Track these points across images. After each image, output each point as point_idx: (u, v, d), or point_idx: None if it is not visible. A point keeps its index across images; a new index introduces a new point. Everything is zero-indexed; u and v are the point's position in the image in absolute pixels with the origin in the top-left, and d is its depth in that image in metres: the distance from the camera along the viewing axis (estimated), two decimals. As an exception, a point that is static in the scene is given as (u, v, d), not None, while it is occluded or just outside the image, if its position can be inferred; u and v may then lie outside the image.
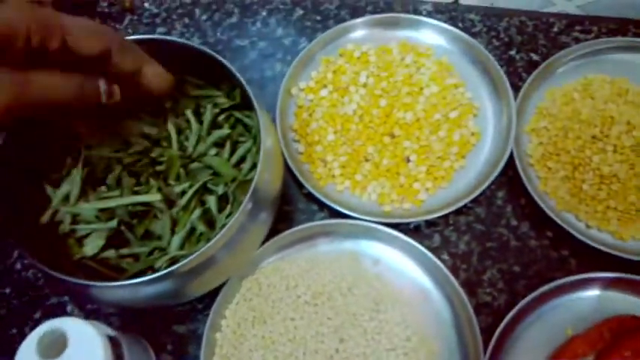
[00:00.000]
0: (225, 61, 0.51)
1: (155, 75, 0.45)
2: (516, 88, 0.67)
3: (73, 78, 0.39)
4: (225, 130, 0.55)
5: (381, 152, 0.65)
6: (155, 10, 0.79)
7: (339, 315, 0.57)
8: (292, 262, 0.60)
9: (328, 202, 0.61)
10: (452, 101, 0.67)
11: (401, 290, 0.58)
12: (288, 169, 0.64)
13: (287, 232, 0.60)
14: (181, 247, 0.50)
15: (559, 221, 0.59)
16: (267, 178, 0.50)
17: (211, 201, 0.52)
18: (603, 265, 0.58)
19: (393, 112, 0.66)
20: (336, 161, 0.65)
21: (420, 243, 0.59)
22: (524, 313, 0.56)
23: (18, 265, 0.63)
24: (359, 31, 0.73)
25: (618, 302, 0.57)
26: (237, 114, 0.56)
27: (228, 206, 0.51)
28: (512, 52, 0.71)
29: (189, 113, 0.55)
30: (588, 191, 0.61)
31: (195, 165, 0.54)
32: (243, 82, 0.51)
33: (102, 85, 0.41)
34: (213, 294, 0.57)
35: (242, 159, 0.55)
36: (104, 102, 0.41)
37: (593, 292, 0.57)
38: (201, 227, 0.51)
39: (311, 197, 0.64)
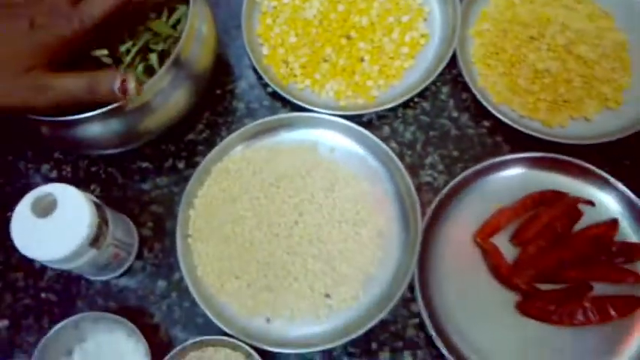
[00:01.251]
0: None
1: None
2: (464, -5, 0.74)
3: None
4: None
5: (339, 53, 0.73)
6: None
7: (299, 193, 0.66)
8: (258, 151, 0.69)
9: (290, 98, 0.69)
10: (404, 6, 0.75)
11: (353, 173, 0.67)
12: (254, 71, 0.72)
13: (252, 123, 0.68)
14: None
15: (495, 112, 0.68)
16: (195, 48, 0.61)
17: (153, 57, 0.61)
18: (532, 148, 0.67)
19: (349, 17, 0.74)
20: (297, 62, 0.73)
21: (372, 133, 0.68)
22: (458, 188, 0.65)
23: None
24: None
25: (541, 179, 0.66)
26: None
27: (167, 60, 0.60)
28: (462, -39, 0.78)
29: None
30: (523, 85, 0.70)
31: (140, 28, 0.62)
32: None
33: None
34: (186, 180, 0.66)
35: (178, 22, 0.63)
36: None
37: (520, 170, 0.67)
38: (145, 79, 0.59)
39: (275, 95, 0.72)
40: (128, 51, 0.61)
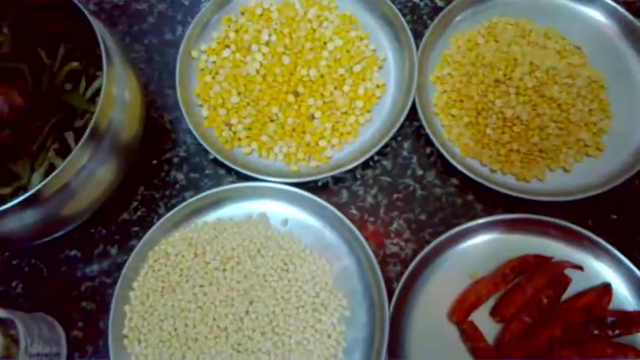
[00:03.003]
0: None
1: None
2: (421, 37, 0.70)
3: None
4: (74, 63, 0.59)
5: (286, 111, 0.67)
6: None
7: (249, 278, 0.60)
8: (200, 229, 0.63)
9: (234, 167, 0.63)
10: (356, 54, 0.69)
11: (309, 248, 0.61)
12: (191, 136, 0.66)
13: (192, 199, 0.62)
14: None
15: (462, 169, 0.62)
16: (116, 116, 0.55)
17: (69, 136, 0.55)
18: (507, 208, 0.62)
19: (296, 70, 0.69)
20: (241, 124, 0.67)
21: (328, 200, 0.62)
22: (428, 259, 0.60)
23: None
24: (260, -13, 0.74)
25: (521, 243, 0.61)
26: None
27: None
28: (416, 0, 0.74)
29: (40, 50, 0.58)
30: (492, 135, 0.65)
31: (52, 103, 0.57)
32: (88, 16, 0.54)
33: None
34: (120, 269, 0.59)
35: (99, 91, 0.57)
36: None
37: (496, 235, 0.61)
38: (59, 162, 0.53)
39: (218, 162, 0.66)
40: (40, 130, 0.54)
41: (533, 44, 0.70)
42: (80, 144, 0.51)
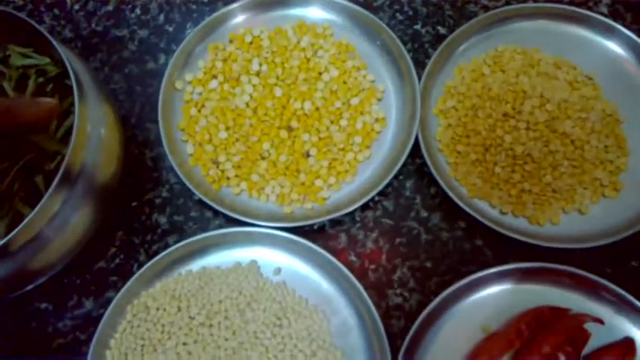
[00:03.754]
0: (39, 27, 0.51)
1: None
2: (423, 67, 0.66)
3: None
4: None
5: (279, 148, 0.63)
6: (20, 2, 0.74)
7: (238, 334, 0.55)
8: (184, 280, 0.58)
9: (221, 209, 0.59)
10: (353, 86, 0.65)
11: (304, 300, 0.57)
12: (175, 175, 0.61)
13: (175, 246, 0.57)
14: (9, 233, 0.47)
15: (470, 211, 0.58)
16: (91, 157, 0.51)
17: (39, 180, 0.51)
18: (520, 254, 0.58)
19: (289, 103, 0.64)
20: (230, 161, 0.63)
21: (325, 246, 0.58)
22: (436, 313, 0.55)
23: None
24: (250, 12, 0.70)
25: (535, 293, 0.57)
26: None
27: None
28: (418, 27, 0.70)
29: (6, 85, 0.54)
30: (501, 174, 0.61)
31: (21, 145, 0.53)
32: (58, 48, 0.50)
33: None
34: (95, 324, 0.54)
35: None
36: None
37: (508, 286, 0.57)
38: (26, 211, 0.49)
39: (204, 204, 0.61)
40: (5, 173, 0.50)
41: (542, 75, 0.66)
42: (51, 190, 0.47)
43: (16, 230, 0.45)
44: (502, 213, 0.60)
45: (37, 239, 0.48)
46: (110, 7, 0.73)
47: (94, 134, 0.52)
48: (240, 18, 0.70)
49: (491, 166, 0.61)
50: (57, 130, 0.55)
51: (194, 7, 0.72)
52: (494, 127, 0.63)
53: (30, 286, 0.53)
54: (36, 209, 0.46)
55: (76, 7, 0.73)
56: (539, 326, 0.55)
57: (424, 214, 0.61)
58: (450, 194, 0.58)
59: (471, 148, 0.62)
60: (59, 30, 0.71)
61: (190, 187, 0.59)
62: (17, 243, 0.47)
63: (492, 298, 0.57)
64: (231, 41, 0.69)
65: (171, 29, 0.71)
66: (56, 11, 0.73)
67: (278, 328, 0.55)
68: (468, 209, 0.58)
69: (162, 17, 0.72)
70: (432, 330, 0.56)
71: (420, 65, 0.66)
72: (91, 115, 0.52)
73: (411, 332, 0.54)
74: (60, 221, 0.50)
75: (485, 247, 0.60)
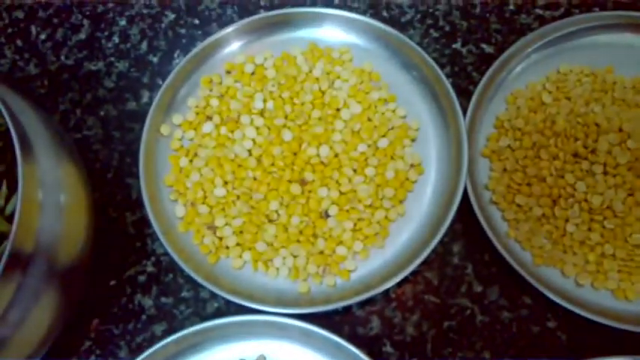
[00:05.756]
0: None
1: None
2: (466, 95, 0.55)
3: None
4: None
5: (290, 207, 0.52)
6: (-24, 33, 0.64)
7: None
8: (174, 385, 0.47)
9: (219, 291, 0.48)
10: (380, 124, 0.55)
11: (329, 410, 0.45)
12: (160, 244, 0.51)
13: (164, 341, 0.47)
14: None
15: (536, 284, 0.47)
16: (47, 232, 0.41)
17: None
18: (604, 339, 0.47)
19: (301, 149, 0.54)
20: (229, 226, 0.53)
21: (352, 334, 0.48)
22: None
23: None
24: (250, 36, 0.59)
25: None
26: None
27: None
28: (457, 45, 0.59)
29: None
30: (575, 235, 0.50)
31: None
32: None
33: None
34: None
35: None
36: None
37: (596, 385, 0.45)
38: None
39: (199, 283, 0.50)
40: None
41: (619, 102, 0.55)
42: None
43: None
44: (578, 285, 0.49)
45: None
46: (83, 35, 0.63)
47: (48, 203, 0.42)
48: (238, 43, 0.59)
49: (562, 224, 0.50)
50: (6, 205, 0.44)
51: (183, 31, 0.62)
52: (562, 171, 0.52)
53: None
54: None
55: (42, 36, 0.63)
56: None
57: (478, 288, 0.50)
58: (511, 261, 0.48)
59: (535, 200, 0.51)
60: (22, 65, 0.62)
61: (179, 261, 0.49)
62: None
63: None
64: (228, 72, 0.59)
65: (155, 60, 0.61)
66: (19, 42, 0.63)
67: None
68: (533, 282, 0.47)
69: (144, 45, 0.62)
70: None
71: (462, 94, 0.55)
72: (44, 179, 0.42)
73: None
74: (15, 317, 0.40)
75: (558, 331, 0.49)
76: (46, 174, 0.43)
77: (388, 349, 0.49)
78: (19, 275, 0.40)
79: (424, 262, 0.51)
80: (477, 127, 0.55)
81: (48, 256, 0.42)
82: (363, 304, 0.51)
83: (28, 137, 0.43)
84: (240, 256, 0.52)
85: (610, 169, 0.52)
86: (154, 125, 0.56)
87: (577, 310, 0.47)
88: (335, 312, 0.50)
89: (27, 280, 0.41)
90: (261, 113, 0.56)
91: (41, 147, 0.44)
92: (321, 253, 0.52)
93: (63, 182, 0.45)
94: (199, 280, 0.49)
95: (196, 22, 0.63)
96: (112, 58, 0.62)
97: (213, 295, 0.52)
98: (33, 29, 0.64)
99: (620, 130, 0.53)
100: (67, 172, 0.46)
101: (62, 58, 0.63)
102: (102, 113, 0.60)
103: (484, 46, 0.59)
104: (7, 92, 0.43)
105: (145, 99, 0.60)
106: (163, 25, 0.63)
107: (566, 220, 0.51)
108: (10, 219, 0.45)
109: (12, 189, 0.46)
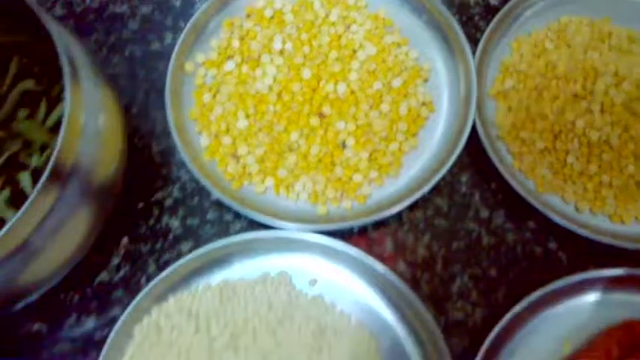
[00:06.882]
0: None
1: None
2: (474, 41, 0.60)
3: None
4: (28, 82, 0.48)
5: (309, 138, 0.57)
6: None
7: (269, 359, 0.48)
8: (202, 295, 0.52)
9: (243, 210, 0.52)
10: (394, 65, 0.59)
11: (347, 317, 0.51)
12: (188, 171, 0.55)
13: (190, 256, 0.51)
14: None
15: (540, 207, 0.52)
16: (87, 150, 0.44)
17: (24, 178, 0.45)
18: (602, 257, 0.52)
19: (320, 85, 0.58)
20: (252, 155, 0.57)
21: (368, 251, 0.51)
22: (507, 331, 0.49)
23: None
24: (270, -17, 0.63)
25: (624, 304, 0.51)
26: None
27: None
28: (465, -3, 0.64)
29: None
30: (575, 165, 0.55)
31: (1, 134, 0.48)
32: (46, 21, 0.44)
33: None
34: (99, 348, 0.48)
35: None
36: None
37: (593, 296, 0.51)
38: (10, 214, 0.43)
39: (223, 205, 0.55)
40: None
41: (615, 49, 0.60)
42: (38, 188, 0.40)
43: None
44: (578, 210, 0.54)
45: (24, 248, 0.42)
46: (107, -20, 0.66)
47: (90, 123, 0.45)
48: (260, -12, 0.63)
49: (563, 156, 0.55)
50: (46, 119, 0.48)
51: (204, -23, 0.66)
52: (563, 110, 0.57)
53: (20, 305, 0.47)
54: (20, 212, 0.39)
55: (68, -20, 0.66)
56: (633, 346, 0.48)
57: (485, 213, 0.55)
58: (517, 188, 0.53)
59: (537, 135, 0.56)
60: (48, 7, 0.65)
61: (206, 184, 0.53)
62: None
63: (572, 312, 0.51)
64: (248, 16, 0.63)
65: (178, 3, 0.65)
66: (45, -14, 0.66)
67: (316, 352, 0.49)
68: (538, 205, 0.52)
69: (167, -10, 0.65)
70: (504, 352, 0.49)
71: (470, 41, 0.60)
72: (87, 100, 0.45)
73: (481, 354, 0.47)
74: (51, 227, 0.43)
75: (560, 251, 0.54)
76: (89, 97, 0.46)
77: (401, 266, 0.54)
78: (58, 188, 0.43)
79: (434, 189, 0.56)
80: (484, 71, 0.60)
81: (85, 173, 0.45)
82: (377, 227, 0.55)
83: (74, 61, 0.46)
84: (263, 182, 0.56)
85: (607, 107, 0.57)
86: (179, 64, 0.60)
87: (577, 230, 0.51)
88: (351, 234, 0.55)
89: (65, 194, 0.44)
90: (281, 53, 0.61)
91: (83, 71, 0.47)
92: (339, 179, 0.56)
93: (102, 106, 0.48)
94: (225, 200, 0.53)
95: (217, -30, 0.67)
96: (136, 2, 0.66)
97: (237, 217, 0.56)
98: (58, -26, 0.68)
99: (616, 74, 0.58)
100: (105, 97, 0.49)
101: (87, 1, 0.66)
102: (127, 53, 0.64)
103: (490, -2, 0.64)
104: (47, 19, 0.47)
105: (168, 40, 0.64)
106: (185, -28, 0.67)
107: (567, 153, 0.56)
108: (51, 131, 0.48)
109: (51, 107, 0.50)
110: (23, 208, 0.39)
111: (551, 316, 0.50)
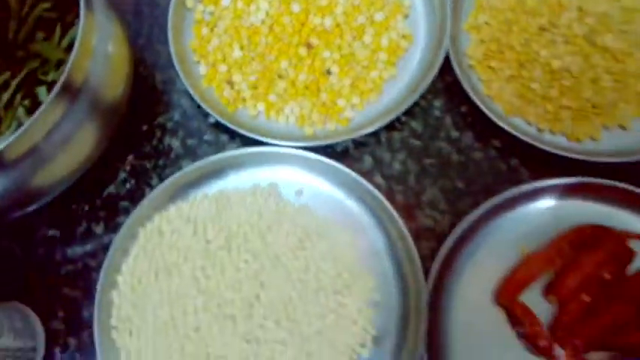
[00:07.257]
0: None
1: None
2: (450, -20, 0.65)
3: None
4: (46, 4, 0.54)
5: (297, 67, 0.62)
6: None
7: (258, 257, 0.55)
8: (199, 203, 0.58)
9: (239, 130, 0.58)
10: (377, 0, 0.64)
11: (328, 222, 0.57)
12: (190, 97, 0.61)
13: (190, 167, 0.57)
14: None
15: (506, 127, 0.58)
16: (96, 70, 0.50)
17: (41, 91, 0.51)
18: (559, 172, 0.57)
19: (308, 19, 0.64)
20: (245, 81, 0.62)
21: (349, 167, 0.57)
22: (469, 233, 0.55)
23: None
24: None
25: (576, 211, 0.57)
26: None
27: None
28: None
29: None
30: (538, 90, 0.60)
31: (21, 53, 0.53)
32: None
33: None
34: (106, 250, 0.54)
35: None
36: None
37: (547, 202, 0.57)
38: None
39: (219, 126, 0.61)
40: (6, 84, 0.50)
41: (579, -12, 0.65)
42: (50, 98, 0.46)
43: (11, 138, 0.44)
44: (539, 130, 0.60)
45: (36, 152, 0.48)
46: None
47: (99, 47, 0.51)
48: None
49: (527, 82, 0.61)
50: (61, 40, 0.54)
51: None
52: (529, 41, 0.62)
53: (33, 206, 0.53)
54: (33, 117, 0.45)
55: None
56: (581, 245, 0.54)
57: (455, 133, 0.61)
58: (486, 111, 0.58)
59: (506, 64, 0.62)
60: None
61: (205, 108, 0.59)
62: (14, 154, 0.46)
63: (530, 216, 0.57)
64: (243, -44, 0.68)
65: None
66: None
67: (301, 250, 0.55)
68: (503, 124, 0.58)
69: None
70: (466, 251, 0.55)
71: (446, -22, 0.65)
72: (98, 27, 0.51)
73: (442, 252, 0.54)
74: (60, 136, 0.49)
75: (521, 167, 0.59)
76: (100, 23, 0.52)
77: (379, 180, 0.60)
78: (68, 101, 0.49)
79: (410, 114, 0.62)
80: (459, 7, 0.65)
81: (93, 91, 0.51)
82: (357, 146, 0.61)
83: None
84: (255, 106, 0.62)
85: (570, 39, 0.62)
86: (180, 0, 0.66)
87: (538, 145, 0.57)
88: (334, 153, 0.61)
89: (74, 107, 0.49)
90: (273, -10, 0.66)
91: (97, 3, 0.53)
92: (324, 104, 0.62)
93: (111, 35, 0.54)
94: (222, 121, 0.59)
95: None
96: (140, -57, 0.71)
97: (232, 138, 0.62)
98: None
99: (580, 9, 0.63)
100: (113, 25, 0.55)
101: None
102: (129, -10, 0.69)
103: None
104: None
105: (169, -21, 0.69)
106: None
107: (531, 80, 0.61)
108: (66, 50, 0.54)
109: (64, 31, 0.56)
110: (36, 115, 0.45)
111: (510, 220, 0.56)
